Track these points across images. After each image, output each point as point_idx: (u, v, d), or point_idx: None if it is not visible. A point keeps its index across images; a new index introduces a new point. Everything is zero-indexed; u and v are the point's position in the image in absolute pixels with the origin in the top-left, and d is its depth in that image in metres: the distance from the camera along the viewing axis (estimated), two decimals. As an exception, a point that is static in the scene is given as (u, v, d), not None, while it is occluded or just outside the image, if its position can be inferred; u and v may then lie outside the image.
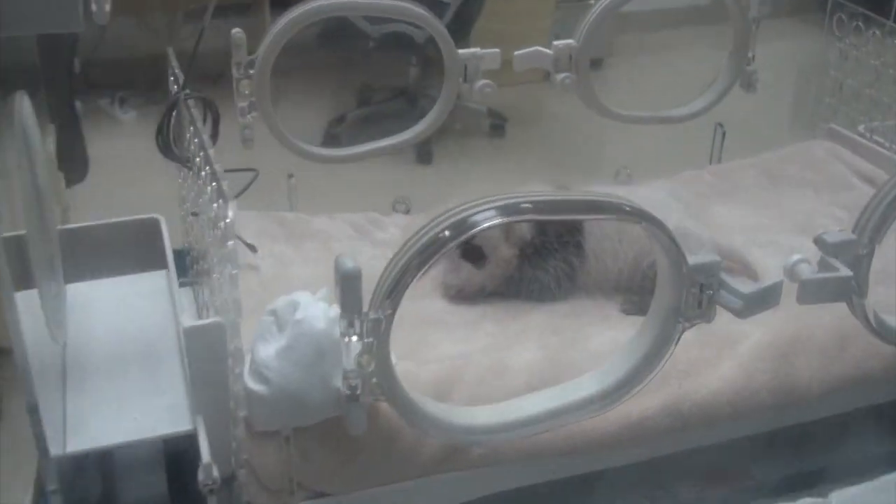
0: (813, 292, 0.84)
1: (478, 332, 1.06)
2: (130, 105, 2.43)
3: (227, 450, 0.82)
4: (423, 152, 2.29)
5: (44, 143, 1.01)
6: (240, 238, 1.11)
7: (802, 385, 0.97)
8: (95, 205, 1.50)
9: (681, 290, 0.81)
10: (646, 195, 1.19)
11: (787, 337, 0.99)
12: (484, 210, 0.74)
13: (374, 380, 0.76)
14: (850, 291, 0.84)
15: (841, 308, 0.98)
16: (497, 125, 2.42)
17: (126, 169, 1.82)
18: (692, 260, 0.81)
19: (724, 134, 1.48)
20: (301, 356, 0.78)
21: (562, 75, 1.38)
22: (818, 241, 0.86)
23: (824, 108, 1.50)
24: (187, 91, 0.97)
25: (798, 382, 0.97)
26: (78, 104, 1.76)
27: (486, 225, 0.73)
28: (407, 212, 1.40)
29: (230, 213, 0.74)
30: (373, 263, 0.79)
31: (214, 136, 1.01)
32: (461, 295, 1.13)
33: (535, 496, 0.97)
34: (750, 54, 1.48)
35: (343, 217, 1.31)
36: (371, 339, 0.73)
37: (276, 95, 1.22)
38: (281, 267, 1.15)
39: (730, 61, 1.48)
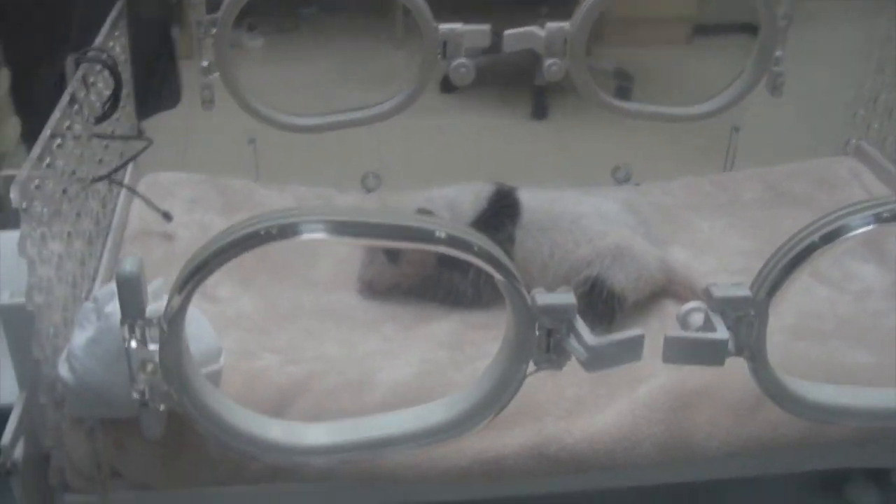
0: (679, 352, 0.73)
1: (374, 335, 1.00)
2: (259, 32, 2.43)
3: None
4: (539, 107, 2.19)
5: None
6: (150, 203, 1.08)
7: (699, 443, 0.86)
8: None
9: (525, 331, 0.73)
10: (595, 204, 1.10)
11: (696, 386, 0.88)
12: (278, 220, 0.68)
13: (165, 387, 0.71)
14: (724, 355, 0.73)
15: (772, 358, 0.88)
16: (624, 87, 2.25)
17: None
18: (541, 299, 0.72)
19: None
20: (104, 351, 0.74)
21: (549, 61, 1.27)
22: (705, 293, 0.75)
23: (858, 120, 1.33)
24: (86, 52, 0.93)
25: (694, 440, 0.86)
26: (175, 30, 1.76)
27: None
28: (373, 190, 1.33)
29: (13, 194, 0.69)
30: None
31: (115, 102, 0.98)
32: (371, 289, 1.07)
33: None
34: (777, 53, 1.34)
35: (293, 190, 1.26)
36: (155, 347, 0.69)
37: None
38: (202, 238, 1.10)
39: (754, 59, 1.33)
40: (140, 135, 1.03)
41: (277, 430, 0.74)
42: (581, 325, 0.73)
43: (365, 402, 0.85)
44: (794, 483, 0.98)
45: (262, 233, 0.68)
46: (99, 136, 0.97)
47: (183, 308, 0.68)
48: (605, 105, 1.33)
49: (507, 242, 1.05)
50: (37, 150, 0.75)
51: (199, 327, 0.80)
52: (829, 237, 0.75)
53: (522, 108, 2.19)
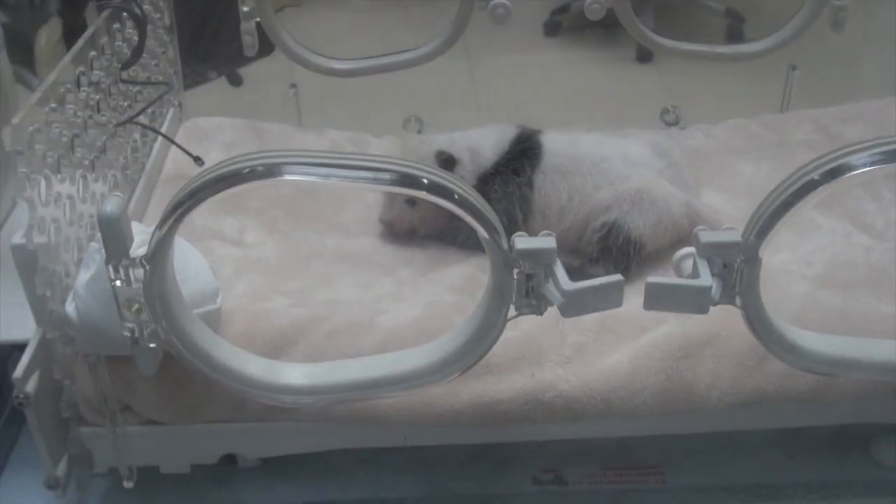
0: (660, 299, 0.71)
1: (387, 279, 1.00)
2: None
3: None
4: (644, 49, 2.10)
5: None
6: (181, 147, 1.11)
7: (699, 394, 0.84)
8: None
9: (504, 276, 0.72)
10: (620, 146, 1.07)
11: (701, 335, 0.85)
12: (257, 160, 0.68)
13: (153, 326, 0.74)
14: (707, 303, 0.71)
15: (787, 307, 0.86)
16: (734, 27, 2.16)
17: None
18: (520, 244, 0.71)
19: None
20: (102, 290, 0.77)
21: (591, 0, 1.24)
22: (694, 237, 0.73)
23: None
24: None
25: (695, 390, 0.84)
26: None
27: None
28: (419, 131, 1.33)
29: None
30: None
31: (139, 50, 1.00)
32: (391, 231, 1.07)
33: (389, 458, 0.93)
34: (838, -13, 1.26)
35: (329, 134, 1.27)
36: (139, 286, 0.72)
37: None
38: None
39: (814, -6, 1.26)
40: (165, 83, 1.05)
41: (256, 368, 0.75)
42: (560, 270, 0.71)
43: (363, 344, 0.86)
44: (816, 439, 0.94)
45: (245, 171, 0.69)
46: (125, 81, 0.99)
47: (164, 245, 0.70)
48: (653, 44, 1.28)
49: (525, 187, 1.04)
50: (36, 94, 0.78)
51: (196, 268, 0.82)
52: (831, 174, 0.71)
53: (627, 51, 2.12)
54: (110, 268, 0.71)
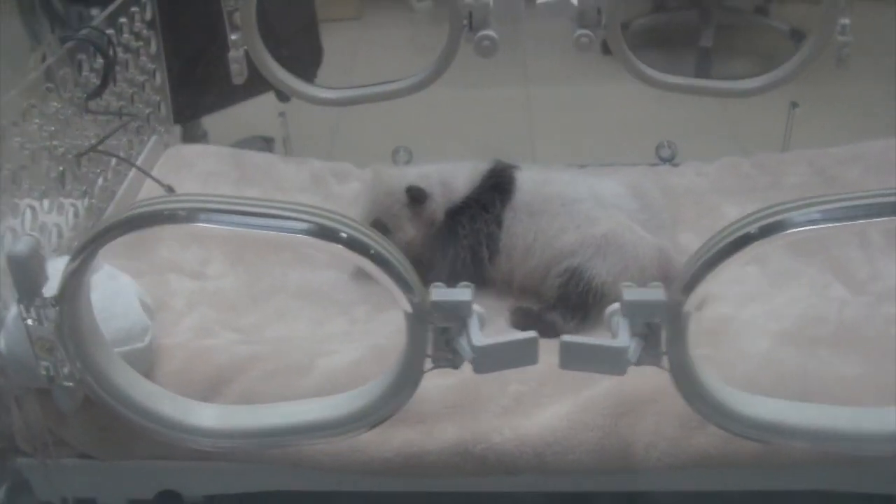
0: (576, 358, 0.68)
1: (342, 317, 0.99)
2: None
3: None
4: (702, 69, 2.10)
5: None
6: (150, 175, 1.11)
7: (638, 453, 0.80)
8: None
9: (418, 328, 0.70)
10: (593, 187, 1.04)
11: (646, 391, 0.82)
12: (172, 204, 0.68)
13: (66, 368, 0.73)
14: (624, 365, 0.67)
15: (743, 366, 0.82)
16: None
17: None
18: (435, 295, 0.69)
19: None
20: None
21: (579, 32, 1.20)
22: (619, 294, 0.69)
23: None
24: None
25: (633, 449, 0.80)
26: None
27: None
28: (407, 162, 1.31)
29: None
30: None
31: (104, 82, 1.01)
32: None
33: (336, 500, 0.91)
34: (843, 21, 1.21)
35: (310, 165, 1.26)
36: (50, 325, 0.71)
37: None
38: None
39: (818, 28, 1.21)
40: (129, 114, 1.06)
41: (170, 408, 0.74)
42: (474, 324, 0.69)
43: (298, 386, 0.84)
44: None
45: (156, 215, 0.68)
46: (90, 111, 1.00)
47: (75, 283, 0.69)
48: (647, 79, 1.24)
49: (493, 224, 1.01)
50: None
51: (126, 305, 0.82)
52: (767, 230, 0.66)
53: (685, 70, 2.08)
54: (22, 307, 0.71)
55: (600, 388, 0.83)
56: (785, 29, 2.13)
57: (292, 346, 0.91)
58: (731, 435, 0.77)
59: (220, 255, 1.07)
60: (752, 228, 0.66)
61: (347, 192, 1.21)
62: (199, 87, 1.44)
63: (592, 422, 0.81)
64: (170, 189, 1.11)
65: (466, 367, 0.84)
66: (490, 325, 0.96)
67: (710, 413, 0.72)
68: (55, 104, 0.93)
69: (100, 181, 1.06)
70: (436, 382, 0.85)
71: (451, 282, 1.02)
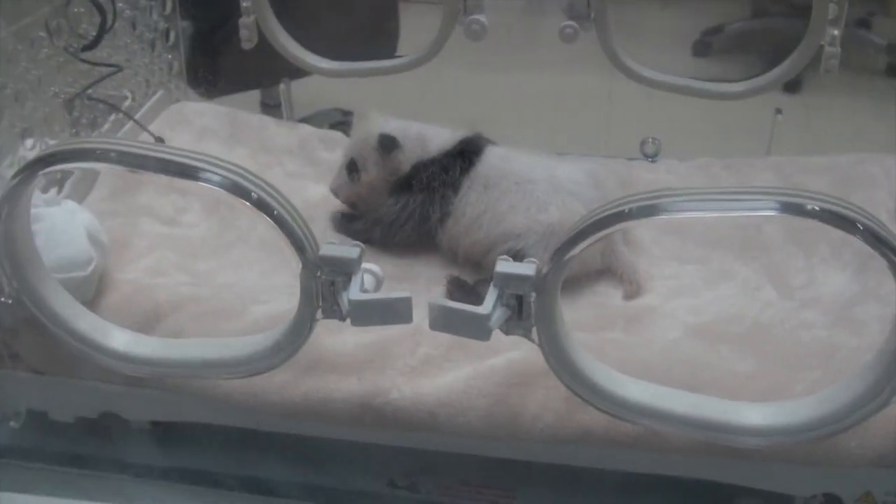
0: (442, 321, 0.72)
1: (290, 272, 1.04)
2: None
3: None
4: (793, 81, 2.06)
5: None
6: (142, 126, 1.19)
7: (524, 423, 0.84)
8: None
9: (308, 279, 0.75)
10: (551, 170, 1.08)
11: (541, 366, 0.85)
12: (93, 144, 0.75)
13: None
14: (486, 331, 0.71)
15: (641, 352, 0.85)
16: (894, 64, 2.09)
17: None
18: (324, 251, 0.74)
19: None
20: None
21: (565, 23, 1.23)
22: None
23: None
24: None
25: (520, 419, 0.84)
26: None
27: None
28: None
29: None
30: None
31: (100, 32, 1.09)
32: (337, 197, 1.14)
33: (265, 440, 0.98)
34: (834, 32, 1.20)
35: (303, 130, 1.32)
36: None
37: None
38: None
39: (807, 35, 1.21)
40: (115, 66, 1.13)
41: (86, 325, 0.81)
42: (357, 281, 0.74)
43: (224, 329, 0.91)
44: (681, 491, 0.92)
45: (82, 151, 0.75)
46: (83, 60, 1.09)
47: (8, 211, 0.77)
48: (632, 74, 1.26)
49: (449, 187, 1.06)
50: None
51: (72, 236, 0.89)
52: (644, 211, 0.69)
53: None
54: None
55: (503, 358, 0.87)
56: (882, 44, 2.08)
57: (233, 292, 0.98)
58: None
59: (198, 207, 1.14)
60: (627, 208, 0.70)
61: (331, 157, 1.27)
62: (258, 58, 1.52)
63: (486, 389, 0.85)
64: (160, 140, 1.19)
65: (384, 327, 0.90)
66: (429, 293, 1.03)
67: (577, 387, 0.75)
68: (46, 51, 1.01)
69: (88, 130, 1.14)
70: (354, 339, 0.90)
71: (394, 231, 1.09)
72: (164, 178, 0.74)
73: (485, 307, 0.71)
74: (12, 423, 0.97)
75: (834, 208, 0.67)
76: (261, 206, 0.74)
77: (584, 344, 0.82)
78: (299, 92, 1.77)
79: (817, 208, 0.67)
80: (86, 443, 1.00)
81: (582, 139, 1.46)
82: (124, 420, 0.98)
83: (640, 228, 1.11)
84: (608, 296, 1.01)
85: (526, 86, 1.87)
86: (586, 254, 1.00)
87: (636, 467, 0.86)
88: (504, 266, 0.72)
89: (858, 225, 0.66)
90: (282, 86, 1.39)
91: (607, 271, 1.05)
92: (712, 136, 1.57)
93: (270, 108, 1.72)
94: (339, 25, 1.75)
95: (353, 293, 0.73)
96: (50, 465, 0.98)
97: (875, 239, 0.66)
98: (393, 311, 0.73)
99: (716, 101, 1.30)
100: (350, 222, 1.13)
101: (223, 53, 1.58)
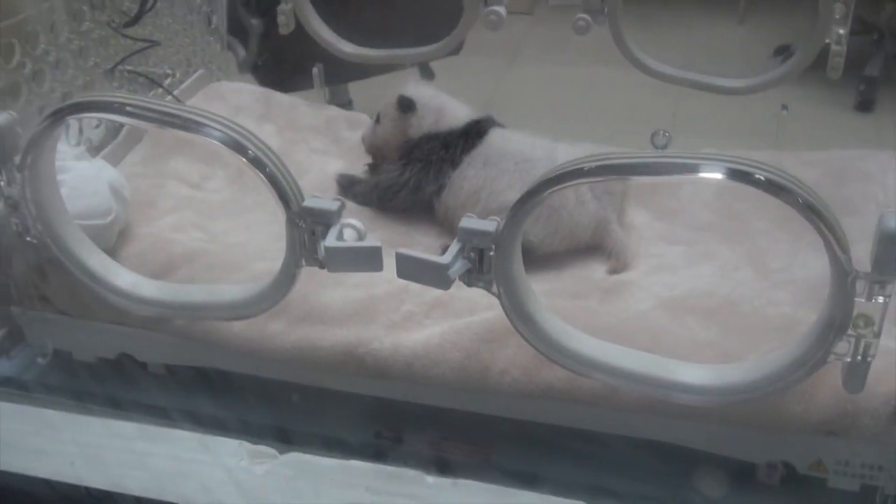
0: (408, 269, 0.79)
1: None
2: None
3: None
4: (866, 99, 2.07)
5: None
6: (177, 99, 1.28)
7: (493, 377, 0.90)
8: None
9: (292, 230, 0.83)
10: (551, 151, 1.14)
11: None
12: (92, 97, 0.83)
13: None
14: (446, 280, 0.77)
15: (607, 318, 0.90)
16: None
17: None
18: (307, 203, 0.82)
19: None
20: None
21: (578, 16, 1.29)
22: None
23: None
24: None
25: (489, 374, 0.90)
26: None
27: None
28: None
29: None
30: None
31: (141, 9, 1.19)
32: (363, 143, 1.25)
33: (259, 386, 1.05)
34: (840, 31, 1.23)
35: (330, 111, 1.40)
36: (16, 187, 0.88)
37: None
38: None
39: (812, 34, 1.24)
40: (152, 41, 1.23)
41: (95, 261, 0.90)
42: (334, 231, 0.81)
43: (228, 280, 0.99)
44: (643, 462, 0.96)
45: (98, 103, 0.83)
46: (125, 35, 1.18)
47: (33, 157, 0.86)
48: (641, 66, 1.31)
49: (447, 162, 1.13)
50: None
51: (95, 188, 0.99)
52: (598, 171, 0.75)
53: (846, 98, 2.07)
54: (-3, 169, 0.89)
55: (479, 317, 0.93)
56: None
57: (241, 250, 1.06)
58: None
59: (222, 175, 1.23)
60: (583, 166, 0.75)
61: (354, 137, 1.34)
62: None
63: (460, 343, 0.91)
64: (192, 113, 1.28)
65: (375, 285, 0.97)
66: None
67: (532, 339, 0.81)
68: (88, 23, 1.11)
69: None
70: (345, 293, 0.98)
71: (389, 195, 1.16)
72: (194, 148, 0.81)
73: (445, 258, 0.78)
74: (40, 360, 1.07)
75: (775, 178, 0.72)
76: (255, 162, 0.82)
77: (557, 309, 0.88)
78: (367, 92, 1.85)
79: (762, 177, 0.72)
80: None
81: (595, 130, 1.51)
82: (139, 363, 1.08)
83: (634, 212, 1.16)
84: (591, 269, 1.06)
85: (543, 76, 1.94)
86: (576, 228, 1.08)
87: (597, 426, 0.91)
88: (467, 222, 0.78)
89: (799, 198, 0.71)
90: (314, 69, 1.47)
91: (598, 247, 1.10)
92: (737, 131, 1.60)
93: (343, 105, 1.81)
94: (413, 22, 1.84)
95: (329, 241, 0.80)
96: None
97: (812, 212, 0.71)
98: (365, 259, 0.80)
99: (731, 99, 1.35)
100: (353, 185, 1.21)
101: (288, 52, 1.67)
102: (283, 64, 1.77)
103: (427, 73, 2.05)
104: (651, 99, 1.66)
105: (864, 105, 2.01)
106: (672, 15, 2.75)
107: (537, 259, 1.07)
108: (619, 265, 1.06)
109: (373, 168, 1.25)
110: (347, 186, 1.22)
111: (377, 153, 1.24)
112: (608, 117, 1.79)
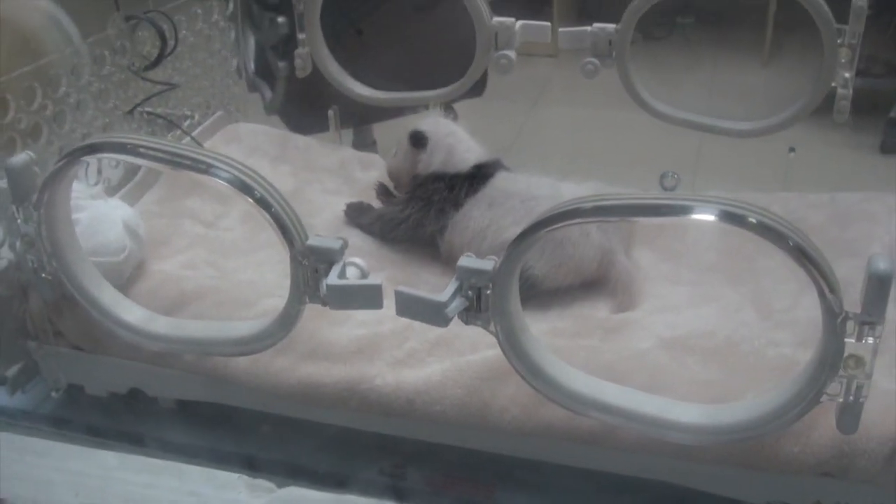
0: (407, 307, 0.81)
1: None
2: None
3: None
4: (890, 140, 2.06)
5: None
6: (196, 140, 1.32)
7: (493, 415, 0.91)
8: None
9: (296, 268, 0.85)
10: (555, 189, 1.16)
11: (514, 363, 0.93)
12: (114, 139, 0.87)
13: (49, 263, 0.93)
14: (444, 318, 0.79)
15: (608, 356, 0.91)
16: None
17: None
18: (310, 241, 0.84)
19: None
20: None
21: (586, 59, 1.31)
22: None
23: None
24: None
25: (489, 410, 0.91)
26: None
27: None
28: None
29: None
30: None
31: (160, 54, 1.23)
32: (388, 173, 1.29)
33: (265, 422, 1.07)
34: (846, 75, 1.24)
35: (344, 153, 1.43)
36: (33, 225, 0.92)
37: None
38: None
39: (819, 77, 1.25)
40: (171, 83, 1.27)
41: (109, 298, 0.92)
42: (336, 269, 0.83)
43: (237, 317, 1.01)
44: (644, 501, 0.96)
45: (84, 147, 0.86)
46: (144, 78, 1.22)
47: (49, 197, 0.89)
48: (649, 109, 1.33)
49: (449, 203, 1.16)
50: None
51: (110, 226, 1.01)
52: (588, 213, 0.76)
53: (871, 139, 2.07)
54: (14, 208, 0.92)
55: (480, 355, 0.95)
56: None
57: (251, 287, 1.08)
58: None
59: (235, 214, 1.26)
60: (580, 206, 0.76)
61: (367, 178, 1.37)
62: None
63: (462, 380, 0.93)
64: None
65: (381, 322, 0.99)
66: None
67: (529, 377, 0.82)
68: (108, 67, 1.15)
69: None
70: (349, 332, 0.99)
71: (390, 228, 1.19)
72: (209, 188, 0.83)
73: (443, 296, 0.79)
74: (53, 394, 1.09)
75: (766, 221, 0.73)
76: (261, 202, 0.84)
77: (557, 348, 0.90)
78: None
79: (754, 221, 0.73)
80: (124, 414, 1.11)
81: (614, 171, 1.53)
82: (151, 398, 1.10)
83: (640, 252, 1.17)
84: (595, 308, 1.07)
85: (567, 117, 1.97)
86: (581, 261, 1.09)
87: (594, 464, 0.92)
88: (465, 261, 0.80)
89: (790, 241, 0.72)
90: (330, 112, 1.51)
91: (604, 282, 1.11)
92: (757, 172, 1.61)
93: (362, 148, 1.85)
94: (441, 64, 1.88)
95: (331, 279, 0.82)
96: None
97: (803, 255, 0.72)
98: (365, 297, 0.82)
99: (743, 142, 1.36)
100: (360, 215, 1.24)
101: (313, 94, 1.70)
102: (307, 106, 1.80)
103: (451, 112, 2.08)
104: (675, 140, 1.68)
105: (890, 147, 2.00)
106: (697, 56, 2.78)
107: (542, 295, 1.08)
108: (626, 300, 1.07)
109: (384, 195, 1.28)
110: (354, 217, 1.24)
111: (392, 180, 1.29)
112: (628, 158, 1.81)
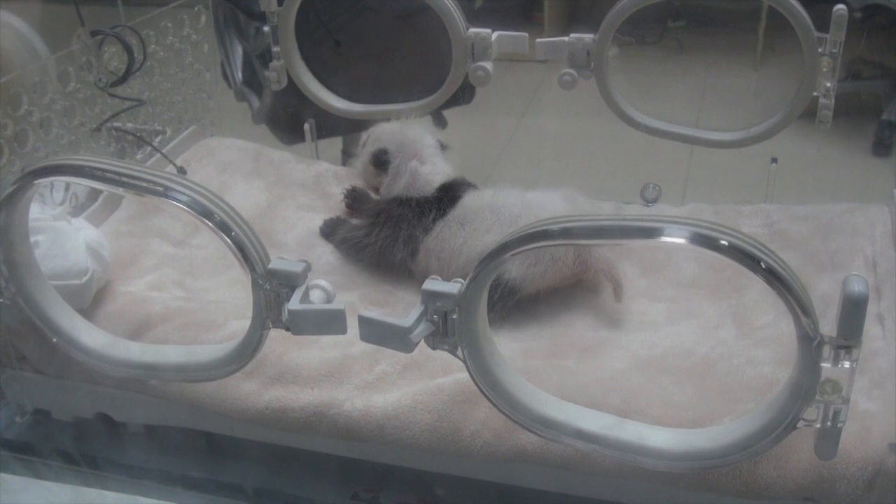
0: (370, 333, 0.78)
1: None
2: (615, 42, 2.67)
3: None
4: (882, 143, 2.06)
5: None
6: (166, 157, 1.29)
7: (464, 439, 0.89)
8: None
9: (257, 292, 0.82)
10: (522, 195, 1.13)
11: (485, 386, 0.90)
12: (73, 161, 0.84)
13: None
14: (408, 344, 0.76)
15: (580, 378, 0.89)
16: None
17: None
18: (272, 265, 0.81)
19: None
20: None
21: (564, 71, 1.29)
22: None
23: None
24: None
25: (461, 435, 0.89)
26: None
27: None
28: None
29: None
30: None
31: (128, 70, 1.20)
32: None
33: (232, 447, 1.04)
34: (828, 84, 1.22)
35: (320, 167, 1.41)
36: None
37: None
38: (211, 193, 1.30)
39: (801, 87, 1.23)
40: (138, 99, 1.24)
41: (66, 322, 0.90)
42: (298, 293, 0.80)
43: (204, 340, 0.98)
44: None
45: (38, 170, 0.84)
46: (111, 94, 1.20)
47: (5, 222, 0.86)
48: (629, 121, 1.31)
49: (418, 228, 1.13)
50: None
51: (71, 248, 0.99)
52: (556, 235, 0.73)
53: (862, 142, 2.07)
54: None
55: (453, 378, 0.92)
56: None
57: (219, 308, 1.05)
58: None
59: (207, 232, 1.23)
60: (549, 228, 0.73)
61: (335, 192, 1.34)
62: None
63: (432, 404, 0.90)
64: (181, 170, 1.30)
65: (351, 344, 0.96)
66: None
67: (499, 402, 0.80)
68: (73, 84, 1.13)
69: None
70: (319, 354, 0.97)
71: (356, 250, 1.17)
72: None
73: (407, 321, 0.77)
74: (18, 419, 1.07)
75: (738, 244, 0.70)
76: (221, 226, 0.81)
77: (530, 369, 0.87)
78: None
79: (725, 243, 0.70)
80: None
81: (585, 184, 1.50)
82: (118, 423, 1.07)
83: (619, 266, 1.15)
84: (571, 326, 1.05)
85: (557, 125, 1.95)
86: (557, 256, 1.06)
87: (569, 489, 0.89)
88: (430, 284, 0.78)
89: (762, 263, 0.69)
90: (306, 125, 1.48)
91: (583, 279, 1.09)
92: (749, 182, 1.58)
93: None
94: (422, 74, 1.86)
95: (293, 304, 0.79)
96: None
97: (775, 278, 0.69)
98: (328, 322, 0.79)
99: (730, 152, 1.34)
100: (334, 231, 1.21)
101: (300, 104, 1.68)
102: (295, 116, 1.78)
103: (440, 120, 2.06)
104: (668, 148, 1.66)
105: (882, 149, 1.99)
106: (689, 60, 2.76)
107: (523, 304, 1.06)
108: (617, 290, 1.05)
109: (352, 203, 1.27)
110: (328, 233, 1.22)
111: (361, 182, 1.28)
112: (618, 167, 1.79)
